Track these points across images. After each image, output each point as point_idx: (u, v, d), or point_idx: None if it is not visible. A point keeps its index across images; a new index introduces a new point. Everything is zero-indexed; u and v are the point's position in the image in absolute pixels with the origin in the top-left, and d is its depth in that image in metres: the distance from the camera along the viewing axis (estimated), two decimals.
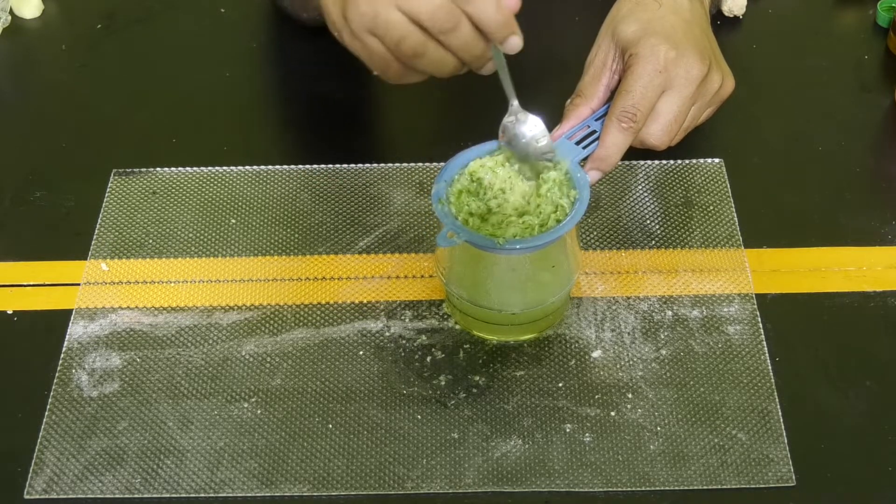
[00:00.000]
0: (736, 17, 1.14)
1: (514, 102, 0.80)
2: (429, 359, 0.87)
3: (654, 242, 0.95)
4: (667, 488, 0.80)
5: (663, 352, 0.87)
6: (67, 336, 0.89)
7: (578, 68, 0.88)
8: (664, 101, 0.83)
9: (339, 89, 1.08)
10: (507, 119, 0.81)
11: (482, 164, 0.83)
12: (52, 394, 0.86)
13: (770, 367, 0.86)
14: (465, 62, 0.76)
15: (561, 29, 1.13)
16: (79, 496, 0.81)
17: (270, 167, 1.01)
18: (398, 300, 0.91)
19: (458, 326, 0.89)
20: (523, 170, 0.82)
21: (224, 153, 1.03)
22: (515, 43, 0.75)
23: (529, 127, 0.81)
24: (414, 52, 0.74)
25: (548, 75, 1.08)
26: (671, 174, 1.00)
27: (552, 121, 0.85)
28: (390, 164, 1.01)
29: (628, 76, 0.82)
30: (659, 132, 0.83)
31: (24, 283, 0.94)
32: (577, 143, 0.84)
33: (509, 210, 0.82)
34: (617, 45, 0.85)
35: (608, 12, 0.89)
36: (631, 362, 0.87)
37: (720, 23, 1.14)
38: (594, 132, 0.84)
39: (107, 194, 0.99)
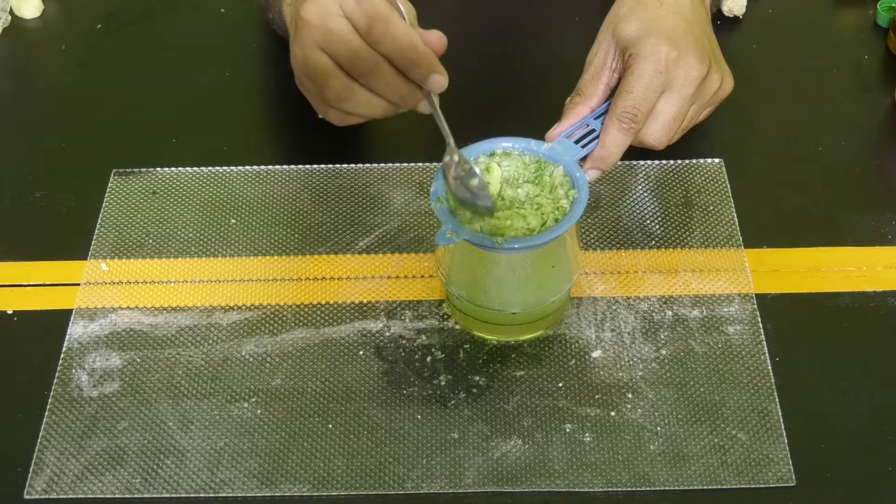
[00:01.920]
0: (736, 17, 1.14)
1: (450, 142, 0.78)
2: (429, 359, 0.87)
3: (654, 242, 0.95)
4: (667, 488, 0.80)
5: (663, 352, 0.87)
6: (67, 336, 0.89)
7: (578, 68, 0.88)
8: (664, 102, 0.83)
9: None
10: (445, 158, 0.79)
11: (475, 163, 0.83)
12: (52, 394, 0.86)
13: (770, 367, 0.86)
14: (392, 103, 0.76)
15: (561, 29, 1.13)
16: (79, 496, 0.81)
17: (270, 167, 1.01)
18: (398, 300, 0.91)
19: (458, 326, 0.89)
20: (463, 207, 0.79)
21: (224, 153, 1.03)
22: (437, 81, 0.74)
23: (461, 170, 0.78)
24: (338, 96, 0.75)
25: (548, 74, 1.08)
26: (671, 174, 1.00)
27: (552, 119, 0.85)
28: (390, 164, 1.01)
29: (628, 76, 0.82)
30: (658, 132, 0.83)
31: (24, 283, 0.94)
32: (576, 141, 0.84)
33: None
34: (617, 43, 0.85)
35: (608, 11, 0.89)
36: (631, 362, 0.87)
37: (720, 23, 1.14)
38: (593, 131, 0.84)
39: (107, 194, 1.00)
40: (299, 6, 0.77)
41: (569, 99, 0.86)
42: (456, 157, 0.78)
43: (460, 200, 0.79)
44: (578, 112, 0.85)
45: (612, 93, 0.85)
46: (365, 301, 0.91)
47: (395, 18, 0.73)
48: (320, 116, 0.79)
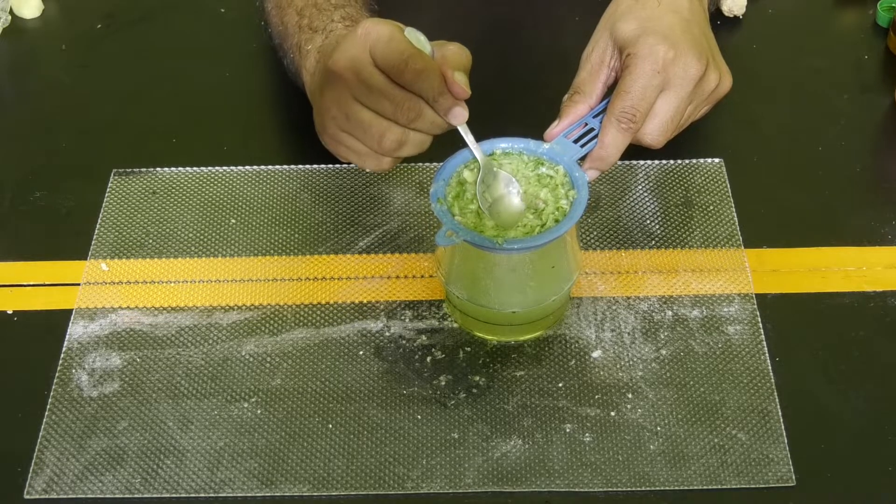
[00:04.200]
0: (736, 17, 1.14)
1: (479, 156, 0.82)
2: (429, 359, 0.87)
3: (654, 242, 0.95)
4: (667, 488, 0.80)
5: (663, 352, 0.87)
6: (67, 336, 0.89)
7: (578, 68, 0.88)
8: (662, 101, 0.83)
9: None
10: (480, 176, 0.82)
11: (468, 168, 0.83)
12: (52, 394, 0.86)
13: (770, 367, 0.86)
14: (434, 134, 0.80)
15: (561, 28, 1.13)
16: (79, 496, 0.81)
17: (270, 167, 1.01)
18: (398, 300, 0.91)
19: (457, 326, 0.89)
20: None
21: (224, 153, 1.03)
22: (458, 113, 0.78)
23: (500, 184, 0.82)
24: (399, 144, 0.79)
25: (548, 74, 1.07)
26: (671, 174, 1.00)
27: (551, 120, 0.85)
28: None
29: (626, 76, 0.82)
30: (656, 131, 0.83)
31: (24, 283, 0.94)
32: (575, 141, 0.84)
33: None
34: (615, 42, 0.85)
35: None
36: (631, 362, 0.87)
37: (720, 23, 1.14)
38: (592, 129, 0.84)
39: (107, 194, 1.00)
40: (325, 60, 0.80)
41: (566, 97, 0.86)
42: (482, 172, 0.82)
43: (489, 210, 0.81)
44: (577, 111, 0.85)
45: (610, 91, 0.85)
46: (365, 301, 0.91)
47: (425, 55, 0.77)
48: (369, 170, 0.84)
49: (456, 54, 0.79)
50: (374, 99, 0.78)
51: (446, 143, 0.82)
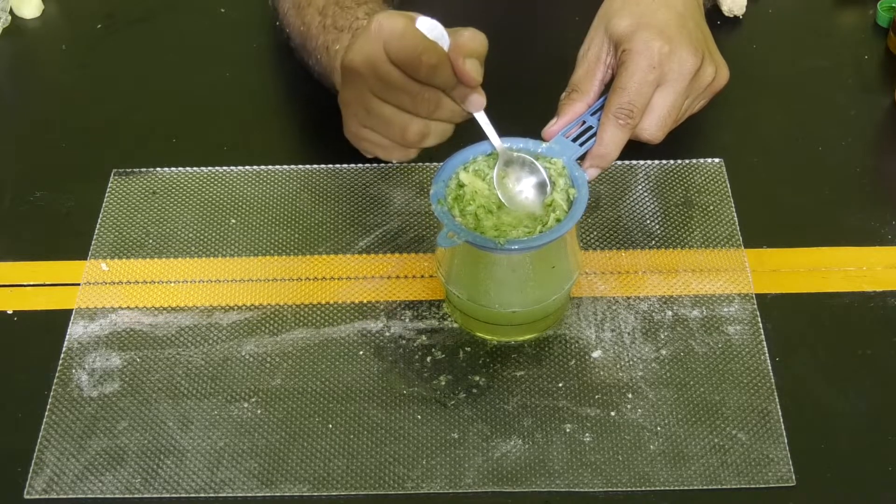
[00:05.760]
0: (736, 17, 1.14)
1: (497, 143, 0.82)
2: (429, 359, 0.87)
3: (654, 242, 0.95)
4: (667, 488, 0.80)
5: (663, 352, 0.87)
6: (67, 336, 0.89)
7: None
8: (658, 96, 0.83)
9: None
10: (497, 165, 0.82)
11: (465, 170, 0.83)
12: (52, 394, 0.86)
13: (770, 367, 0.86)
14: (456, 123, 0.80)
15: (561, 29, 1.13)
16: (79, 496, 0.81)
17: (270, 167, 1.01)
18: (398, 300, 0.91)
19: (457, 326, 0.89)
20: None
21: (224, 153, 1.03)
22: (475, 100, 0.78)
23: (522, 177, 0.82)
24: (422, 136, 0.78)
25: (548, 74, 1.07)
26: (671, 174, 1.00)
27: (550, 119, 0.85)
28: (390, 164, 1.01)
29: (622, 72, 0.82)
30: (653, 127, 0.83)
31: (24, 283, 0.94)
32: (574, 139, 0.84)
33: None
34: (610, 39, 0.85)
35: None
36: (631, 362, 0.87)
37: (720, 23, 1.14)
38: (590, 128, 0.84)
39: (107, 194, 1.00)
40: (341, 56, 0.80)
41: (564, 95, 0.86)
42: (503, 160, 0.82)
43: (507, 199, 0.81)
44: (574, 109, 0.85)
45: (607, 88, 0.85)
46: (365, 301, 0.91)
47: (438, 48, 0.76)
48: (395, 161, 0.84)
49: (470, 40, 0.78)
50: (393, 94, 0.77)
51: (447, 143, 0.82)
